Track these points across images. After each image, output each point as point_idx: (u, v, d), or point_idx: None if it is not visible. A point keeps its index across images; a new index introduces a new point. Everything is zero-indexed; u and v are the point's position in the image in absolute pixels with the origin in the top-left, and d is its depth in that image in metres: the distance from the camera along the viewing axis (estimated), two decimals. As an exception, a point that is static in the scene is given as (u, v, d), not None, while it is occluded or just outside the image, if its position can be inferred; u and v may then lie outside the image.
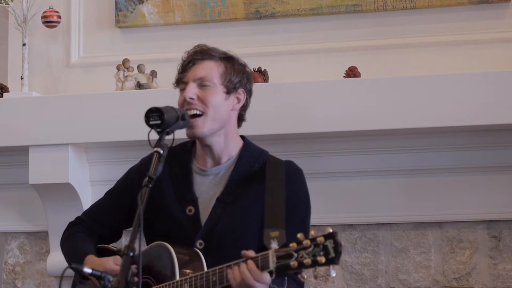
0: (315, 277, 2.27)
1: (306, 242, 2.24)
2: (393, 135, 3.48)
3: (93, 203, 2.97)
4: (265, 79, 3.62)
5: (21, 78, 3.80)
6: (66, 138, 3.63)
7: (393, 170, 3.54)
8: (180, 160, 2.78)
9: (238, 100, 2.76)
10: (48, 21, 3.82)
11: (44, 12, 3.82)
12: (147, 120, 2.46)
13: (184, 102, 2.66)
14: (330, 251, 2.21)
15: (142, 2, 3.85)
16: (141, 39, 3.87)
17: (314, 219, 3.59)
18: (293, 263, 2.25)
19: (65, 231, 2.91)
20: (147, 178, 2.30)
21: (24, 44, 3.81)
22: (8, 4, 3.82)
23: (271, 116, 3.43)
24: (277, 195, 2.67)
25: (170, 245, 2.58)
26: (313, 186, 3.58)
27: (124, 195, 2.80)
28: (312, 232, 2.26)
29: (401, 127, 3.38)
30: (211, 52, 2.74)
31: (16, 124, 3.66)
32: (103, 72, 3.83)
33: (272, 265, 2.29)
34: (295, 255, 2.25)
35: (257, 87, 3.50)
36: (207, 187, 2.74)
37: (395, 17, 3.64)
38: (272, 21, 3.74)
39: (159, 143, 2.40)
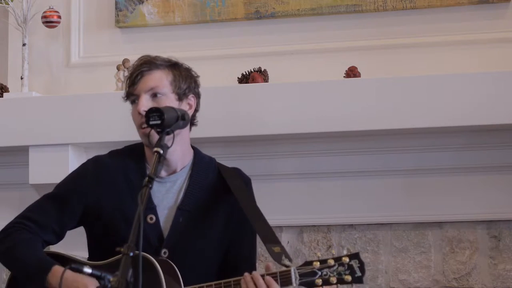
0: None
1: (330, 261, 2.36)
2: (393, 135, 3.48)
3: (28, 207, 2.82)
4: (265, 79, 3.62)
5: (21, 78, 3.80)
6: (66, 138, 3.63)
7: (393, 170, 3.54)
8: (133, 166, 2.76)
9: (190, 106, 2.76)
10: (48, 21, 3.81)
11: (44, 12, 3.82)
12: (147, 120, 2.46)
13: (139, 116, 2.65)
14: (356, 270, 2.36)
15: (142, 2, 3.85)
16: (141, 39, 3.87)
17: (314, 219, 3.61)
18: (318, 280, 2.37)
19: (6, 237, 2.72)
20: (147, 178, 2.29)
21: (24, 44, 3.81)
22: (8, 4, 3.82)
23: (271, 116, 3.43)
24: (250, 204, 2.73)
25: (151, 256, 2.56)
26: (313, 186, 3.60)
27: (75, 201, 2.75)
28: (333, 252, 2.40)
29: (401, 127, 3.38)
30: (156, 61, 2.73)
31: (16, 124, 3.66)
32: (103, 72, 3.83)
33: (295, 282, 2.38)
34: (319, 273, 2.37)
35: (257, 87, 3.52)
36: (165, 195, 2.74)
37: (395, 17, 3.64)
38: (272, 21, 3.74)
39: (159, 143, 2.40)
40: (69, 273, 2.46)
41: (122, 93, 3.61)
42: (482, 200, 3.49)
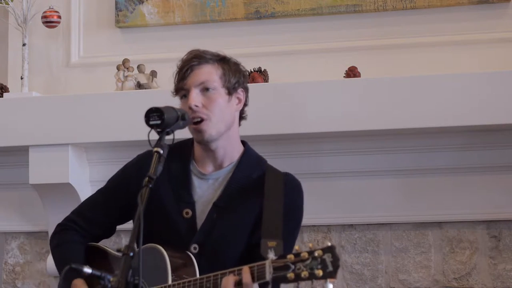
0: None
1: (304, 255, 2.23)
2: (393, 135, 3.48)
3: (83, 201, 2.93)
4: (265, 79, 3.62)
5: (21, 78, 3.80)
6: (66, 138, 3.63)
7: (393, 170, 3.54)
8: (179, 161, 2.76)
9: (239, 100, 2.76)
10: (48, 21, 3.82)
11: (44, 12, 3.82)
12: (147, 120, 2.45)
13: (190, 110, 2.64)
14: (328, 264, 2.20)
15: (142, 2, 3.85)
16: (141, 39, 3.87)
17: (315, 219, 3.61)
18: (290, 275, 2.24)
19: (55, 235, 2.84)
20: (147, 178, 2.29)
21: (24, 44, 3.81)
22: (8, 4, 3.82)
23: (271, 116, 3.43)
24: (275, 205, 2.66)
25: (164, 248, 2.57)
26: (313, 186, 3.60)
27: (120, 192, 2.78)
28: (310, 245, 2.25)
29: (401, 127, 3.38)
30: (206, 55, 2.72)
31: (16, 124, 3.66)
32: (103, 72, 3.83)
33: (268, 275, 2.27)
34: (292, 267, 2.24)
35: (257, 87, 3.52)
36: (205, 191, 2.74)
37: (395, 17, 3.64)
38: (272, 21, 3.74)
39: (159, 143, 2.40)
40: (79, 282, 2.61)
41: (122, 93, 3.65)
42: (482, 200, 3.49)
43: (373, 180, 3.56)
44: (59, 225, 2.86)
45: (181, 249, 2.63)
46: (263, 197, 2.68)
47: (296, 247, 2.27)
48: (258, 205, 2.68)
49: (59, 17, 3.83)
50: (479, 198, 3.49)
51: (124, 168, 2.87)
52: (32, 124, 3.64)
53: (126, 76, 3.72)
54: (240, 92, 2.76)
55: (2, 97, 3.77)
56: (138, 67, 3.73)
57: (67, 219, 2.86)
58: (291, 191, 2.76)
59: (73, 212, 2.88)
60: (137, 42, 3.88)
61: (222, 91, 2.70)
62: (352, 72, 3.51)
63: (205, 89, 2.68)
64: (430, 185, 3.53)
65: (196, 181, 2.73)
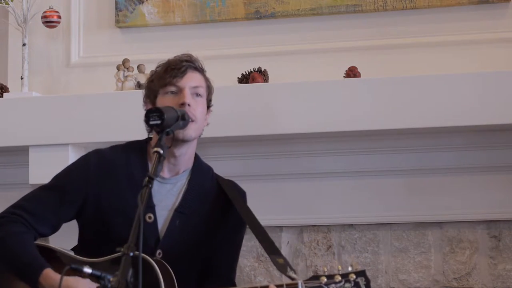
0: None
1: (337, 277, 2.39)
2: (393, 135, 3.48)
3: (24, 196, 2.78)
4: (265, 79, 3.62)
5: (21, 78, 3.80)
6: (66, 138, 3.63)
7: (393, 170, 3.54)
8: (136, 161, 2.76)
9: (207, 118, 2.83)
10: (48, 21, 3.81)
11: (44, 12, 3.82)
12: (147, 120, 2.46)
13: (181, 107, 2.66)
14: (362, 287, 2.40)
15: (142, 2, 3.85)
16: (141, 39, 3.87)
17: (315, 219, 3.61)
18: None
19: (2, 226, 2.67)
20: (147, 178, 2.30)
21: (24, 44, 3.81)
22: (8, 4, 3.82)
23: (270, 116, 3.43)
24: (252, 218, 2.77)
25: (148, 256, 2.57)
26: (313, 186, 3.60)
27: (77, 192, 2.73)
28: (339, 267, 2.42)
29: (401, 127, 3.38)
30: (199, 65, 2.80)
31: (16, 124, 3.65)
32: (103, 72, 3.83)
33: None
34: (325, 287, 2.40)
35: (257, 87, 3.52)
36: (165, 196, 2.76)
37: (395, 17, 3.64)
38: (272, 21, 3.74)
39: (159, 143, 2.40)
40: (67, 277, 2.51)
41: (122, 93, 3.65)
42: (482, 200, 3.49)
43: (373, 180, 3.56)
44: (3, 217, 2.69)
45: (156, 259, 2.64)
46: (228, 203, 2.78)
47: (324, 268, 2.43)
48: (223, 211, 2.80)
49: (59, 17, 3.83)
50: (479, 198, 3.49)
51: (77, 168, 2.79)
52: (32, 124, 3.64)
53: (126, 76, 3.72)
54: (209, 112, 2.84)
55: (2, 97, 3.77)
56: (138, 67, 3.73)
57: (9, 212, 2.71)
58: (245, 199, 2.90)
59: (15, 207, 2.73)
60: (137, 42, 3.88)
61: (205, 102, 2.78)
62: (352, 72, 3.51)
63: (195, 94, 2.73)
64: (430, 185, 3.53)
65: (154, 184, 2.63)
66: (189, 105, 2.67)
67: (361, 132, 3.44)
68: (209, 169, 2.89)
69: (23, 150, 3.68)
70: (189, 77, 2.73)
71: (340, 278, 2.39)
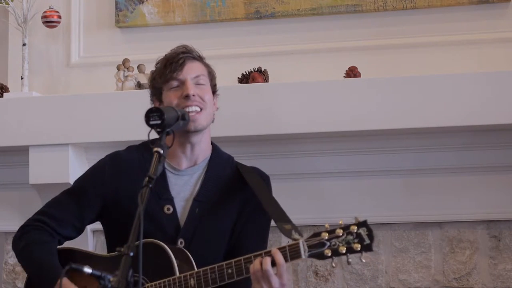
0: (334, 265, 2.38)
1: (338, 231, 2.35)
2: (393, 135, 3.48)
3: (48, 202, 2.86)
4: (265, 79, 3.62)
5: (21, 78, 3.80)
6: (66, 138, 3.63)
7: (393, 170, 3.54)
8: (151, 160, 2.76)
9: (215, 102, 2.84)
10: (48, 21, 3.82)
11: (44, 12, 3.82)
12: (147, 120, 2.46)
13: (185, 99, 2.69)
14: (364, 238, 2.34)
15: (142, 2, 3.85)
16: (141, 39, 3.87)
17: (314, 219, 3.61)
18: (327, 251, 2.36)
19: (22, 236, 2.77)
20: (147, 178, 2.30)
21: (24, 44, 3.81)
22: (8, 4, 3.82)
23: (270, 116, 3.43)
24: (267, 195, 2.78)
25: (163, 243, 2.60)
26: (313, 186, 3.60)
27: (95, 193, 2.78)
28: (340, 221, 2.37)
29: (401, 127, 3.38)
30: (194, 53, 2.81)
31: (16, 124, 3.66)
32: (103, 72, 3.83)
33: (304, 254, 2.38)
34: (327, 243, 2.36)
35: (257, 87, 3.52)
36: (182, 187, 2.78)
37: (395, 17, 3.64)
38: (272, 21, 3.74)
39: (159, 143, 2.40)
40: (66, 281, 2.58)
41: (122, 93, 3.64)
42: (482, 200, 3.49)
43: (373, 180, 3.56)
44: (23, 227, 2.80)
45: (174, 247, 2.66)
46: (247, 189, 2.77)
47: (326, 225, 2.39)
48: (242, 194, 2.79)
49: (59, 17, 3.83)
50: (479, 198, 3.49)
51: (94, 170, 2.85)
52: (32, 124, 3.64)
53: (126, 76, 3.72)
54: (216, 96, 2.85)
55: (2, 97, 3.77)
56: (138, 67, 3.73)
57: (32, 219, 2.81)
58: (269, 183, 2.89)
59: (38, 213, 2.83)
60: (137, 42, 3.88)
61: (209, 88, 2.79)
62: (352, 72, 3.51)
63: (199, 83, 2.75)
64: (430, 185, 3.53)
65: (171, 178, 2.77)
66: (193, 95, 2.69)
67: (362, 132, 3.44)
68: (229, 157, 2.89)
69: (23, 150, 3.68)
70: (188, 68, 2.75)
71: (341, 231, 2.35)
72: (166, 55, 2.81)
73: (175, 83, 2.74)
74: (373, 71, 3.57)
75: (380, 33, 3.65)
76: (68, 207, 2.79)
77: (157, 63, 2.83)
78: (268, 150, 3.60)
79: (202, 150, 2.80)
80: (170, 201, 2.75)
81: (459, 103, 3.30)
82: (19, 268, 3.93)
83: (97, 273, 2.11)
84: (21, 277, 3.93)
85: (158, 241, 2.60)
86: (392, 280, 3.58)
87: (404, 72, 3.52)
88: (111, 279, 2.09)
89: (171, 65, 2.74)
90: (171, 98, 2.72)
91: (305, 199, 3.59)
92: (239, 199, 2.81)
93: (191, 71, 2.75)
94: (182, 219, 2.74)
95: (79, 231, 2.84)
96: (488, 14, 3.57)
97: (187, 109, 2.68)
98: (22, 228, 2.81)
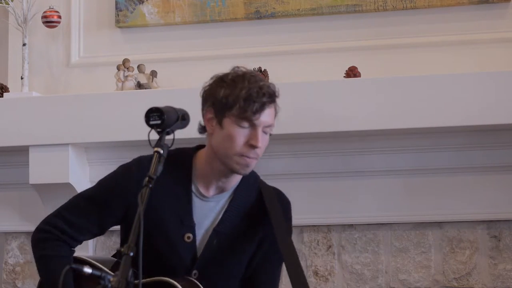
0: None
1: None
2: (393, 135, 3.48)
3: (65, 205, 2.73)
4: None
5: (21, 78, 3.80)
6: (66, 138, 3.63)
7: (393, 170, 3.54)
8: (180, 177, 2.67)
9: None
10: (48, 21, 3.82)
11: (44, 12, 3.82)
12: (147, 120, 2.45)
13: (250, 147, 2.57)
14: None
15: (142, 2, 3.85)
16: (141, 39, 3.87)
17: (315, 219, 3.61)
18: None
19: (41, 242, 2.68)
20: (147, 178, 2.29)
21: (24, 44, 3.81)
22: (8, 4, 3.82)
23: (271, 116, 3.43)
24: (286, 242, 2.66)
25: (176, 281, 2.53)
26: (313, 186, 3.60)
27: (119, 203, 2.66)
28: None
29: (401, 127, 3.38)
30: (276, 95, 2.64)
31: (16, 124, 3.66)
32: (103, 72, 3.83)
33: None
34: None
35: (257, 87, 3.52)
36: (205, 214, 2.68)
37: (395, 17, 3.64)
38: (272, 21, 3.74)
39: (159, 143, 2.40)
40: None
41: (122, 93, 3.64)
42: (482, 200, 3.49)
43: (373, 180, 3.56)
44: (43, 231, 2.70)
45: (183, 275, 2.61)
46: (266, 224, 2.67)
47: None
48: (262, 227, 2.70)
49: (59, 17, 3.83)
50: (479, 198, 3.49)
51: (119, 178, 2.71)
52: (32, 124, 3.64)
53: (126, 76, 3.72)
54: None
55: (2, 97, 3.77)
56: (138, 67, 3.73)
57: (51, 224, 2.69)
58: (289, 210, 2.79)
59: (56, 216, 2.70)
60: (137, 42, 3.88)
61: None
62: (352, 72, 3.51)
63: (265, 131, 2.61)
64: (430, 185, 3.53)
65: (197, 202, 2.67)
66: (259, 147, 2.58)
67: (361, 132, 3.44)
68: (255, 180, 2.76)
69: (23, 150, 3.68)
70: (266, 115, 2.58)
71: None
72: (249, 82, 2.59)
73: (246, 124, 2.58)
74: (373, 71, 3.57)
75: (380, 33, 3.65)
76: (89, 215, 2.66)
77: (234, 76, 2.63)
78: (268, 150, 3.57)
79: (234, 180, 2.69)
80: (192, 228, 2.65)
81: (460, 103, 3.30)
82: (19, 268, 3.94)
83: (97, 273, 2.11)
84: (21, 277, 3.93)
85: (169, 279, 2.52)
86: (392, 280, 3.58)
87: (404, 72, 3.52)
88: (111, 279, 2.08)
89: (253, 104, 2.56)
90: (236, 135, 2.57)
91: (304, 200, 3.59)
92: (258, 236, 2.71)
93: (266, 119, 2.58)
94: (200, 248, 2.66)
95: (97, 235, 2.75)
96: (488, 14, 3.57)
97: (247, 155, 2.57)
98: (40, 231, 2.70)
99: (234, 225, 2.68)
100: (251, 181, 2.75)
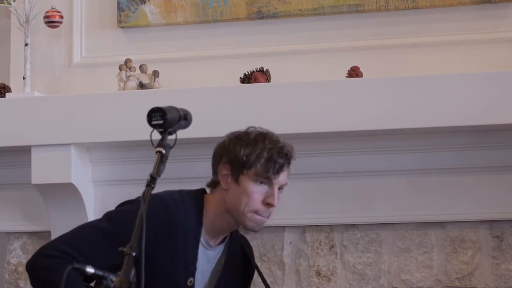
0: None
1: None
2: (395, 135, 3.48)
3: (83, 234, 2.65)
4: (267, 79, 3.62)
5: (23, 78, 3.80)
6: (69, 138, 3.63)
7: (395, 170, 3.54)
8: (192, 223, 2.71)
9: None
10: (50, 21, 3.82)
11: (46, 12, 3.82)
12: (149, 120, 2.45)
13: (266, 206, 2.67)
14: None
15: (144, 2, 3.85)
16: (143, 39, 3.87)
17: (317, 219, 3.61)
18: None
19: (54, 267, 2.54)
20: (149, 177, 2.29)
21: (26, 44, 3.81)
22: (10, 4, 3.82)
23: (273, 116, 3.43)
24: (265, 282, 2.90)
25: None
26: (314, 186, 3.60)
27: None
28: None
29: (403, 127, 3.38)
30: (293, 158, 2.75)
31: (18, 124, 3.66)
32: (105, 72, 3.83)
33: None
34: None
35: (259, 87, 3.52)
36: (206, 260, 2.76)
37: (397, 17, 3.64)
38: (274, 21, 3.74)
39: (161, 143, 2.40)
40: None
41: (124, 93, 3.64)
42: (484, 200, 3.49)
43: (375, 180, 3.56)
44: (55, 257, 2.58)
45: None
46: (250, 265, 2.88)
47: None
48: (247, 274, 2.90)
49: (61, 17, 3.83)
50: (481, 198, 3.49)
51: (134, 220, 2.48)
52: (34, 124, 3.64)
53: (128, 76, 3.72)
54: None
55: (5, 97, 3.77)
56: (140, 67, 3.73)
57: (64, 251, 2.59)
58: (251, 249, 2.98)
59: (70, 246, 2.61)
60: (139, 42, 3.88)
61: None
62: (354, 72, 3.51)
63: (279, 190, 2.72)
64: (432, 185, 3.52)
65: (201, 249, 2.73)
66: (274, 206, 2.69)
67: (364, 132, 3.44)
68: (237, 230, 2.88)
69: (25, 150, 3.68)
70: (283, 176, 2.70)
71: None
72: (271, 142, 2.70)
73: (264, 182, 2.67)
74: (376, 71, 3.57)
75: (382, 33, 3.65)
76: (101, 250, 2.59)
77: (251, 136, 2.71)
78: (270, 150, 3.60)
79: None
80: (193, 273, 2.70)
81: (463, 103, 3.30)
82: (21, 268, 3.94)
83: (100, 272, 2.11)
84: (24, 277, 3.93)
85: None
86: (395, 280, 3.58)
87: (407, 72, 3.52)
88: (114, 279, 2.08)
89: (274, 164, 2.66)
90: (254, 192, 2.66)
91: (306, 199, 3.59)
92: (244, 279, 2.89)
93: (283, 179, 2.70)
94: None
95: (105, 268, 2.72)
96: (490, 14, 3.57)
97: (261, 214, 2.68)
98: (52, 256, 2.59)
99: (227, 276, 2.80)
100: (238, 232, 2.90)
